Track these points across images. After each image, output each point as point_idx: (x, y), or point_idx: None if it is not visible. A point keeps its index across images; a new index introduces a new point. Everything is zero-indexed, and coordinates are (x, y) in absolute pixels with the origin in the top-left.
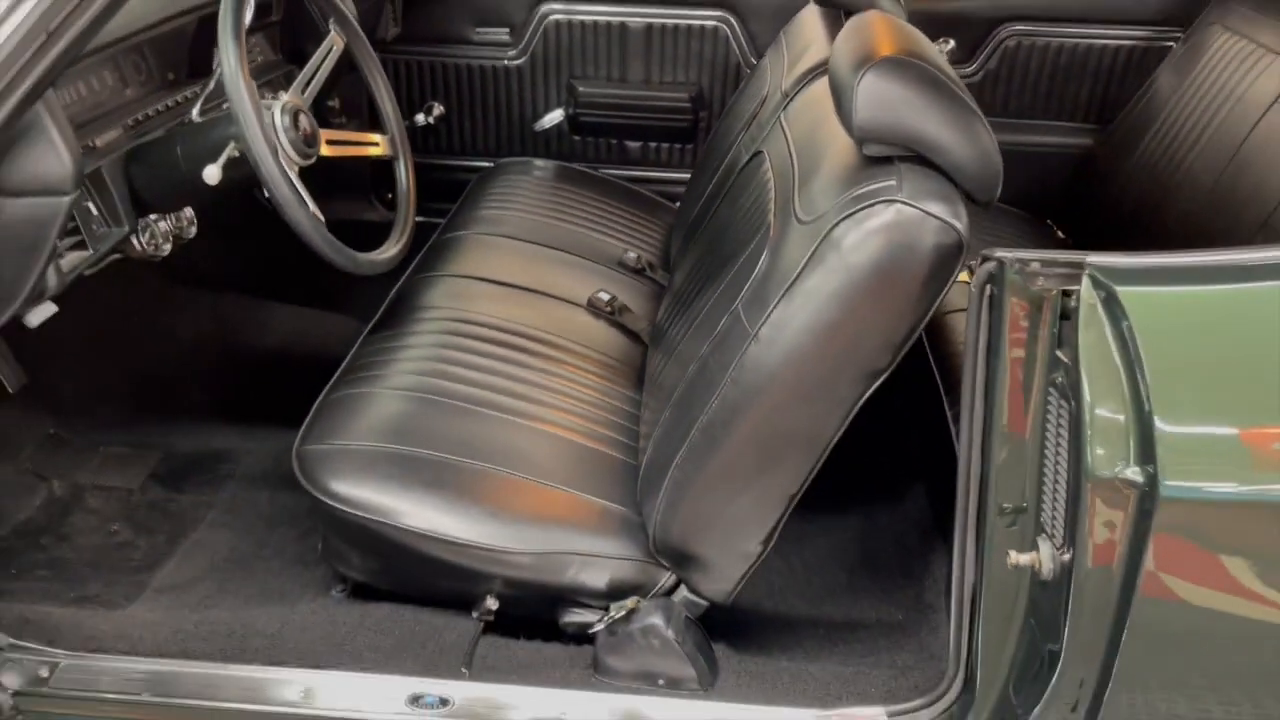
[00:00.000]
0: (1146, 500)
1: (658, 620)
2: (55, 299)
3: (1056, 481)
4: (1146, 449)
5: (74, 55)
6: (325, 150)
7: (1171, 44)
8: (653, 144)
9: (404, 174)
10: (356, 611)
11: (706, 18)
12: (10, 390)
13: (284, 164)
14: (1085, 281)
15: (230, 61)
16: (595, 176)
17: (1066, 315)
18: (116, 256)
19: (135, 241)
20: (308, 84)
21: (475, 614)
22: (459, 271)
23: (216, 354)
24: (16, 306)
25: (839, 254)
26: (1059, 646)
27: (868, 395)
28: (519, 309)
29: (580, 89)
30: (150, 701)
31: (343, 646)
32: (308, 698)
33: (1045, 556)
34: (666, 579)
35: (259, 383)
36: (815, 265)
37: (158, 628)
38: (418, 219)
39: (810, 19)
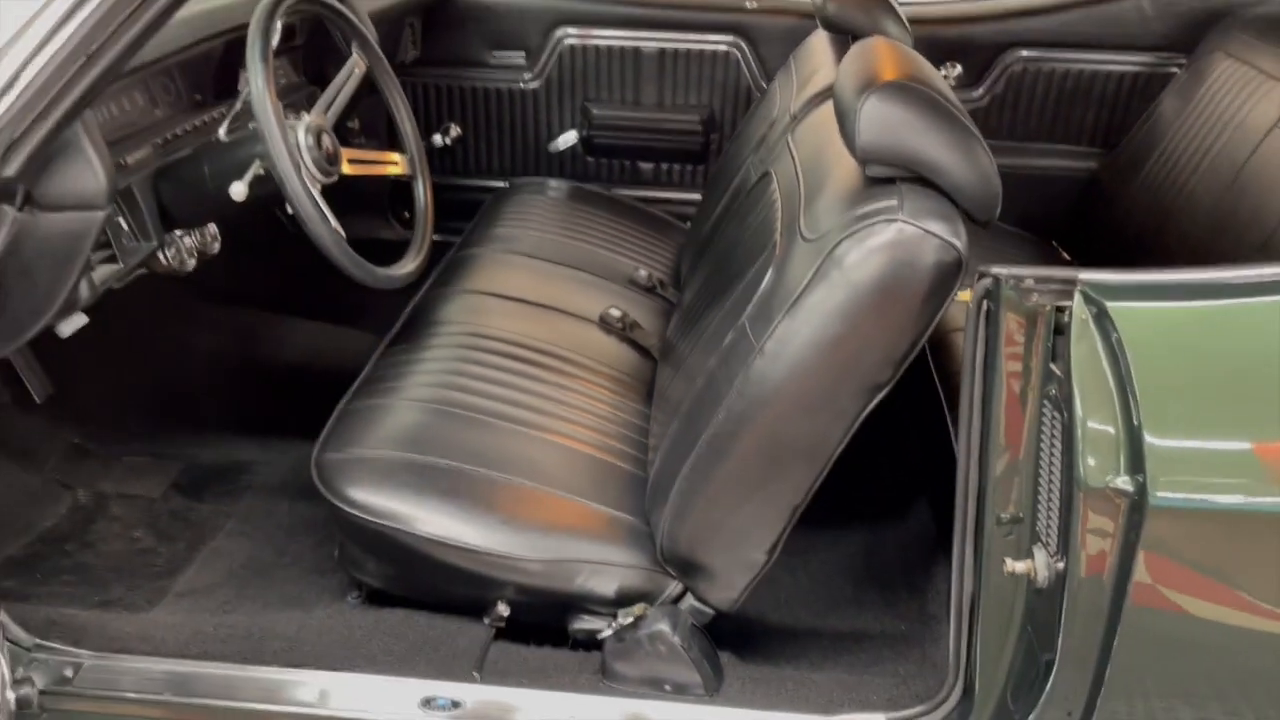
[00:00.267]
0: (1136, 509)
1: (664, 627)
2: (85, 310)
3: (1051, 491)
4: (1136, 459)
5: (112, 77)
6: (347, 169)
7: (1175, 70)
8: (665, 165)
9: (422, 192)
10: (371, 617)
11: (718, 42)
12: (38, 400)
13: (307, 181)
14: (1077, 297)
15: (257, 83)
16: (608, 197)
17: (1060, 330)
18: (143, 271)
19: (162, 256)
20: (330, 105)
21: (487, 620)
22: (474, 287)
23: (237, 367)
24: (50, 316)
25: (842, 271)
26: (1054, 655)
27: (870, 408)
28: (532, 324)
29: (594, 111)
30: (171, 701)
31: (358, 650)
32: (323, 699)
33: (1040, 564)
34: (673, 587)
35: (278, 395)
36: (819, 281)
37: (179, 630)
38: (435, 237)
39: (819, 44)
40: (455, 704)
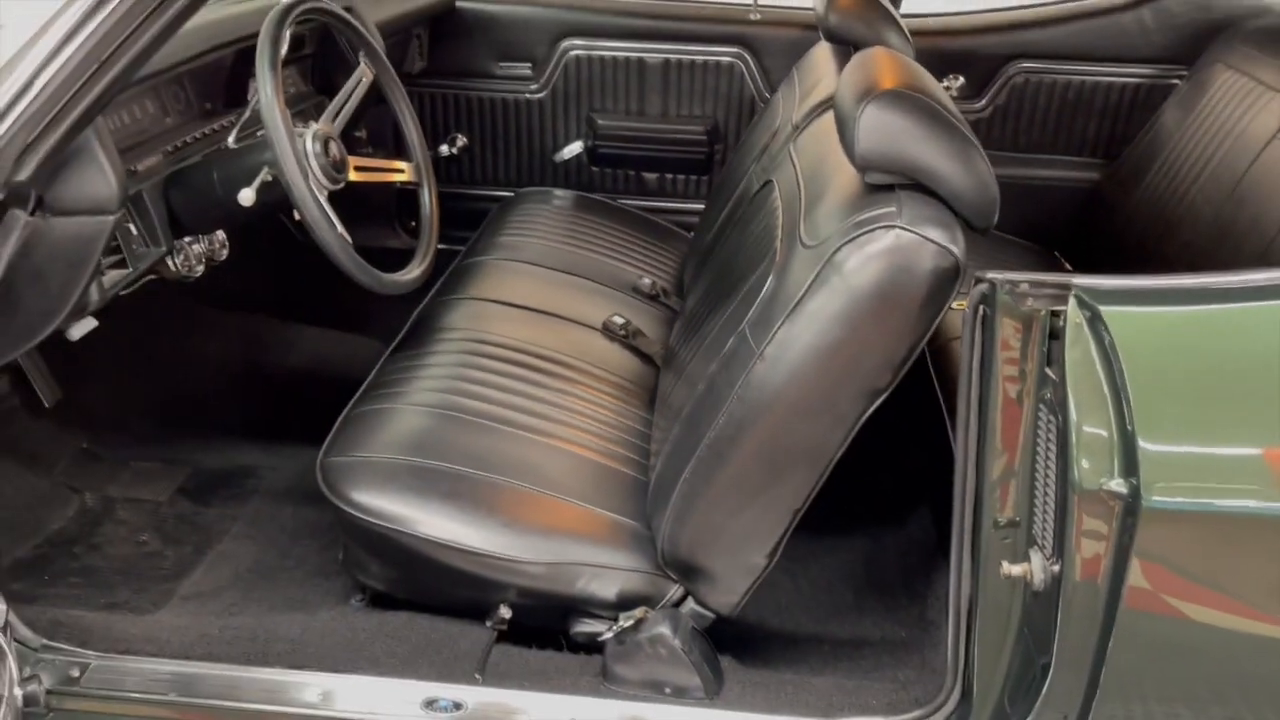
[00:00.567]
0: (1130, 512)
1: (665, 630)
2: (95, 315)
3: (1047, 495)
4: (1130, 462)
5: (124, 83)
6: (353, 176)
7: (1176, 81)
8: (669, 175)
9: (428, 199)
10: (375, 619)
11: (722, 54)
12: (47, 405)
13: (314, 188)
14: (1072, 302)
15: (266, 91)
16: (613, 206)
17: (1055, 334)
18: (152, 277)
19: (170, 263)
20: (338, 113)
21: (489, 623)
22: (479, 295)
23: (243, 373)
24: (61, 319)
25: (841, 276)
26: (1051, 658)
27: (869, 413)
28: (536, 331)
29: (599, 122)
30: (176, 701)
31: (361, 652)
32: (326, 700)
33: (1036, 567)
34: (674, 591)
35: (284, 401)
36: (819, 287)
37: (184, 632)
38: (440, 246)
39: (821, 55)
40: (457, 706)
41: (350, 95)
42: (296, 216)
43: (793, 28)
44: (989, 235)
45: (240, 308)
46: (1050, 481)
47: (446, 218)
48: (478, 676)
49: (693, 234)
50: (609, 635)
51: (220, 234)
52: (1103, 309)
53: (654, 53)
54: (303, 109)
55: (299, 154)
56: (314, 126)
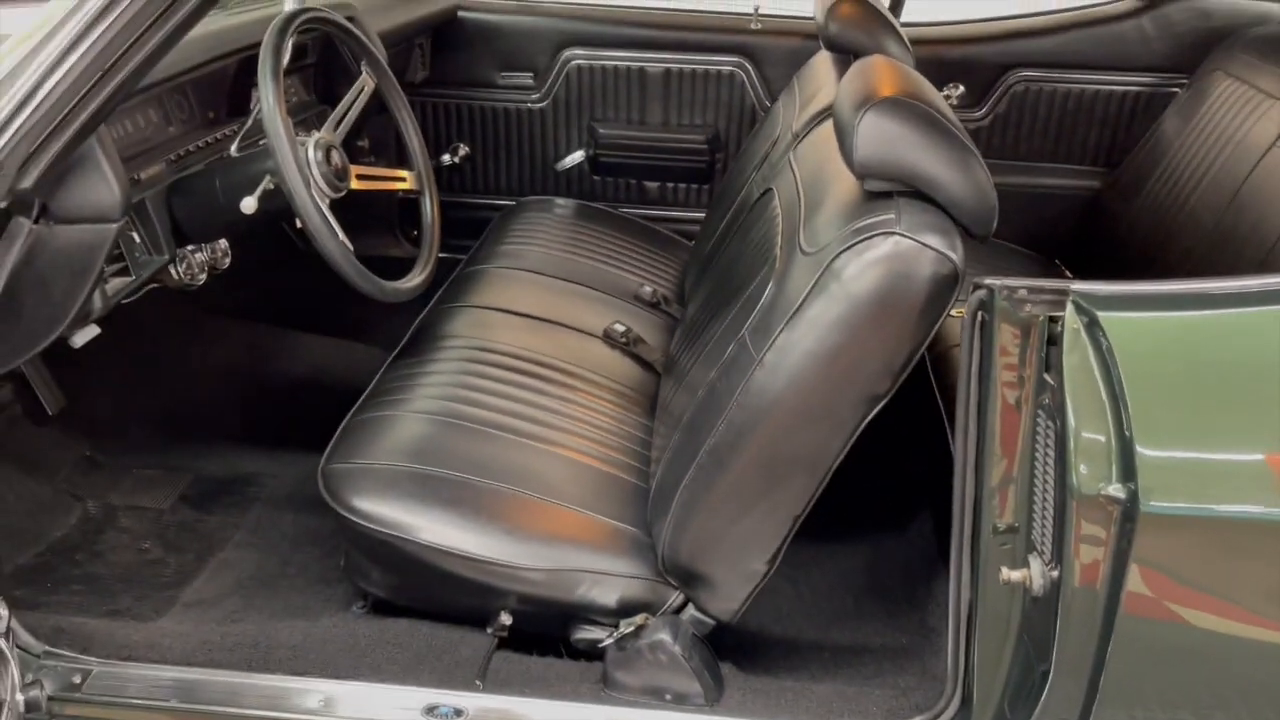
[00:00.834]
0: (1129, 517)
1: (665, 636)
2: (98, 322)
3: (1045, 500)
4: (1128, 467)
5: (127, 92)
6: (355, 184)
7: (1176, 90)
8: (670, 184)
9: (429, 207)
10: (376, 626)
11: (723, 63)
12: (50, 412)
13: (316, 196)
14: (1069, 307)
15: (268, 100)
16: (614, 215)
17: (1053, 340)
18: (155, 285)
19: (173, 271)
20: (340, 122)
21: (490, 629)
22: (480, 303)
23: (245, 381)
24: (64, 327)
25: (840, 283)
26: (1050, 664)
27: (869, 419)
28: (537, 339)
29: (601, 131)
30: (177, 708)
31: (362, 659)
32: (328, 706)
33: (1035, 573)
34: (675, 598)
35: (286, 409)
36: (818, 294)
37: (186, 639)
38: (442, 255)
39: (822, 64)
40: (458, 712)
41: (352, 104)
42: (299, 225)
43: (793, 37)
44: (989, 244)
45: (242, 316)
46: (1049, 487)
47: (448, 226)
48: (478, 683)
49: (693, 242)
50: (609, 642)
51: (223, 242)
52: (1100, 314)
53: (655, 62)
54: (305, 118)
55: (301, 163)
56: (316, 135)
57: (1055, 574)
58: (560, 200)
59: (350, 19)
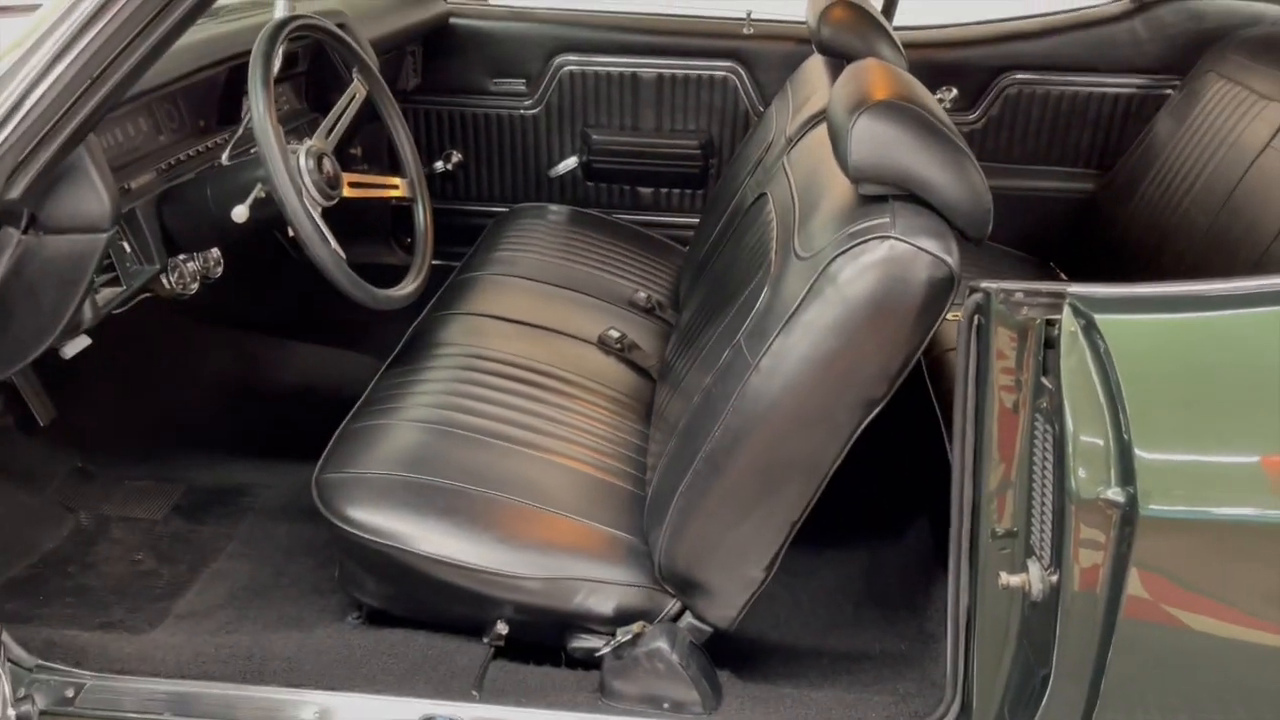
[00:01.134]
0: (1128, 521)
1: (663, 644)
2: (89, 333)
3: (1044, 504)
4: (1126, 470)
5: (115, 101)
6: (347, 191)
7: (1169, 92)
8: (664, 190)
9: (422, 214)
10: (371, 637)
11: (716, 68)
12: (41, 424)
13: (308, 204)
14: (1066, 310)
15: (259, 108)
16: (607, 221)
17: (1050, 343)
18: (146, 295)
19: (165, 280)
20: (331, 130)
21: (486, 639)
22: (474, 310)
23: (238, 391)
24: (55, 337)
25: (836, 287)
26: (1050, 669)
27: (865, 424)
28: (532, 346)
29: (594, 137)
30: None
31: (358, 670)
32: (323, 718)
33: (1035, 578)
34: (672, 605)
35: (279, 419)
36: (813, 298)
37: (179, 651)
38: (435, 262)
39: (815, 68)
40: None
41: (344, 112)
42: (291, 233)
43: (786, 41)
44: (984, 247)
45: (235, 325)
46: (1047, 491)
47: (441, 233)
48: (475, 693)
49: (688, 247)
50: (606, 650)
51: (214, 251)
52: (1097, 317)
53: (648, 67)
54: (296, 126)
55: (292, 171)
56: (308, 143)
57: (1054, 578)
58: (554, 206)
59: (341, 26)
